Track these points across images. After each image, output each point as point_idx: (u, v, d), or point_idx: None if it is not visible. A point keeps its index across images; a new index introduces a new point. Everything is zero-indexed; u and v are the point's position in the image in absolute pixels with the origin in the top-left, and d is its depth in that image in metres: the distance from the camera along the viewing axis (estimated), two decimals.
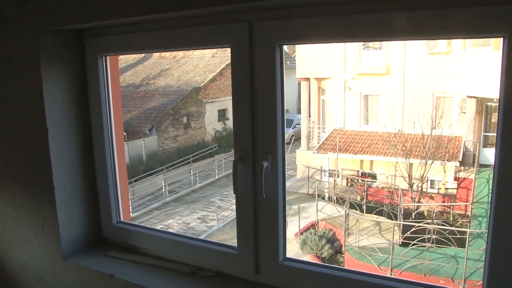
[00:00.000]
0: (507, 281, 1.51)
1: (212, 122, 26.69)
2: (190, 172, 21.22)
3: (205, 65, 27.71)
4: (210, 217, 17.07)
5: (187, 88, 26.33)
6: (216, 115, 26.86)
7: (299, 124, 22.28)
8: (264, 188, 1.81)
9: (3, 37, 2.28)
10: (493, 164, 1.51)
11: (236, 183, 1.86)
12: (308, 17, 1.65)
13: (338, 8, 1.59)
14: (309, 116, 20.61)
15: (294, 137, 23.23)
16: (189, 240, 2.26)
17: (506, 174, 1.45)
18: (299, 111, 23.01)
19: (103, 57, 2.31)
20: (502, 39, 1.39)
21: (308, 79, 19.81)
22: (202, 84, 26.39)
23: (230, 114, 26.90)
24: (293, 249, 13.40)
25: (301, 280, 1.88)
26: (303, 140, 20.17)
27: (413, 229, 11.90)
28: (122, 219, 2.50)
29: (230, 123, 26.95)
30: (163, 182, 19.67)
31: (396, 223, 12.79)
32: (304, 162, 19.20)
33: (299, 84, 21.42)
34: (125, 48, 2.27)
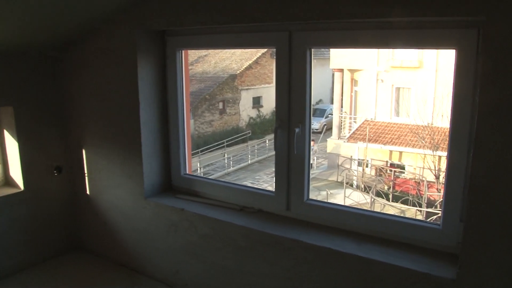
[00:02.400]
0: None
1: (247, 108, 27.39)
2: (224, 156, 22.06)
3: (242, 53, 28.30)
4: None
5: (224, 75, 27.04)
6: (251, 102, 27.54)
7: (332, 114, 22.72)
8: (296, 146, 2.60)
9: (108, 34, 3.13)
10: None
11: (276, 143, 2.66)
12: (329, 30, 2.42)
13: (348, 25, 2.36)
14: (341, 107, 21.10)
15: (326, 126, 23.77)
16: (238, 186, 3.10)
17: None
18: (332, 101, 23.44)
19: (180, 51, 3.14)
20: (454, 51, 2.13)
21: (341, 70, 20.30)
22: (238, 72, 27.02)
23: (264, 101, 27.62)
24: None
25: (319, 213, 2.68)
26: (335, 130, 20.72)
27: (435, 218, 12.46)
28: (187, 171, 3.34)
29: (264, 110, 27.65)
30: (198, 164, 20.56)
31: (419, 211, 13.37)
32: (334, 151, 19.79)
33: (333, 75, 21.89)
34: (197, 45, 3.12)
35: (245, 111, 27.44)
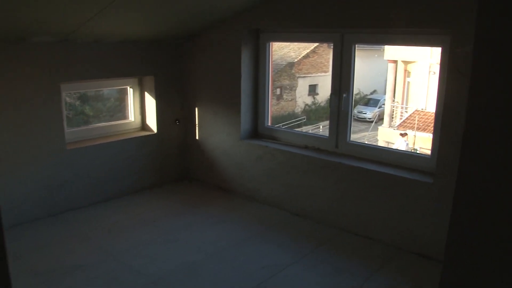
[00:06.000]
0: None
1: (303, 95, 28.43)
2: None
3: None
4: None
5: (282, 63, 28.26)
6: (307, 89, 28.56)
7: (384, 105, 23.57)
8: (342, 105, 4.14)
9: (223, 30, 4.75)
10: None
11: (331, 103, 4.21)
12: (366, 33, 3.93)
13: (375, 31, 3.85)
14: (394, 96, 22.02)
15: (378, 116, 24.70)
16: (303, 133, 4.67)
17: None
18: (385, 92, 24.22)
19: (269, 43, 4.71)
20: (440, 48, 3.58)
21: (395, 62, 21.22)
22: (296, 60, 28.10)
23: (320, 89, 28.63)
24: None
25: (356, 149, 4.21)
26: (386, 118, 21.66)
27: None
28: (269, 124, 4.94)
29: (319, 98, 28.73)
30: None
31: None
32: (385, 138, 20.80)
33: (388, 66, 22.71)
34: (281, 39, 4.69)
35: (301, 98, 28.48)
